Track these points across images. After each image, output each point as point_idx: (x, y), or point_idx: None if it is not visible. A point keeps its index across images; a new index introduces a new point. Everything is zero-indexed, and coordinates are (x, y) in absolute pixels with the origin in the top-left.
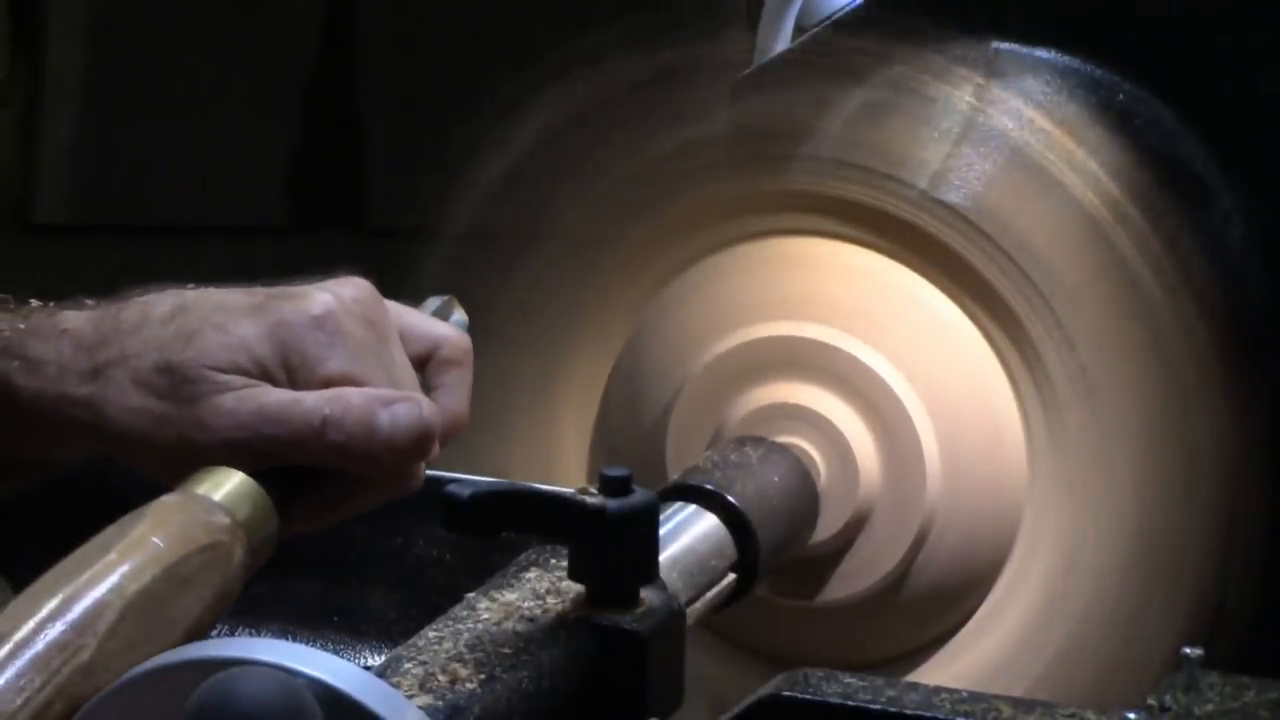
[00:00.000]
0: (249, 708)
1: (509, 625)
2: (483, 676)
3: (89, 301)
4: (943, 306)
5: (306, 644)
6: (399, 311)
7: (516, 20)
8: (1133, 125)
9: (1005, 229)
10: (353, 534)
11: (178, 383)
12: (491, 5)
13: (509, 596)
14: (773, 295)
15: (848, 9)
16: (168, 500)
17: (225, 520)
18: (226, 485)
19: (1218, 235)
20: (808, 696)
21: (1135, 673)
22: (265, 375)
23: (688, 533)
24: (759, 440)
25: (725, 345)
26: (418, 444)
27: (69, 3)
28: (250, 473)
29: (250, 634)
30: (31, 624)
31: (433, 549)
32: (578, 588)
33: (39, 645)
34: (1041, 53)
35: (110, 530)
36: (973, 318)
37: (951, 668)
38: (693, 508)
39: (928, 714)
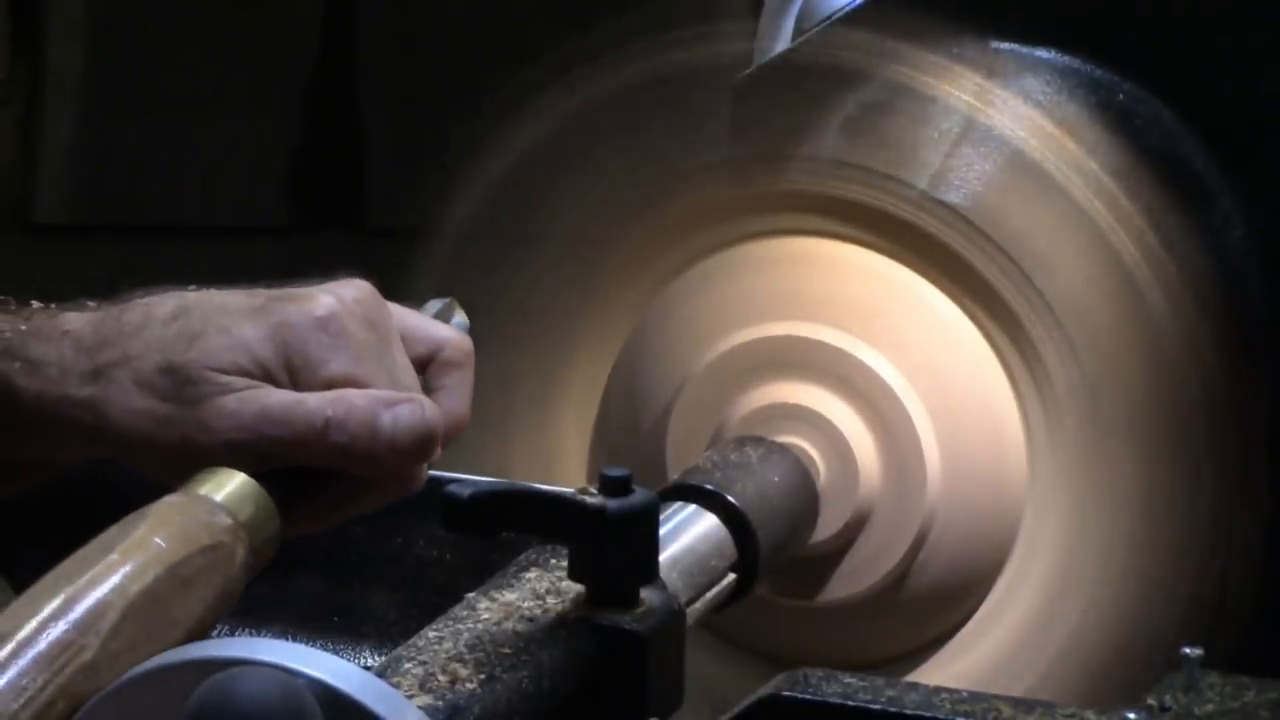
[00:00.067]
0: (249, 708)
1: (509, 625)
2: (483, 676)
3: (90, 303)
4: (943, 306)
5: (307, 644)
6: (400, 314)
7: (516, 20)
8: (1133, 125)
9: (1005, 229)
10: (353, 534)
11: (180, 384)
12: (491, 5)
13: (509, 596)
14: (772, 295)
15: (848, 9)
16: (170, 501)
17: (227, 521)
18: (229, 486)
19: (1218, 235)
20: (808, 696)
21: (1135, 673)
22: (268, 377)
23: (688, 533)
24: (759, 440)
25: (725, 345)
26: (420, 445)
27: (69, 3)
28: (252, 474)
29: (251, 634)
30: (34, 623)
31: (433, 549)
32: (578, 588)
33: (41, 644)
34: (1041, 53)
35: (112, 530)
36: (973, 318)
37: (951, 668)
38: (693, 508)
39: (928, 714)
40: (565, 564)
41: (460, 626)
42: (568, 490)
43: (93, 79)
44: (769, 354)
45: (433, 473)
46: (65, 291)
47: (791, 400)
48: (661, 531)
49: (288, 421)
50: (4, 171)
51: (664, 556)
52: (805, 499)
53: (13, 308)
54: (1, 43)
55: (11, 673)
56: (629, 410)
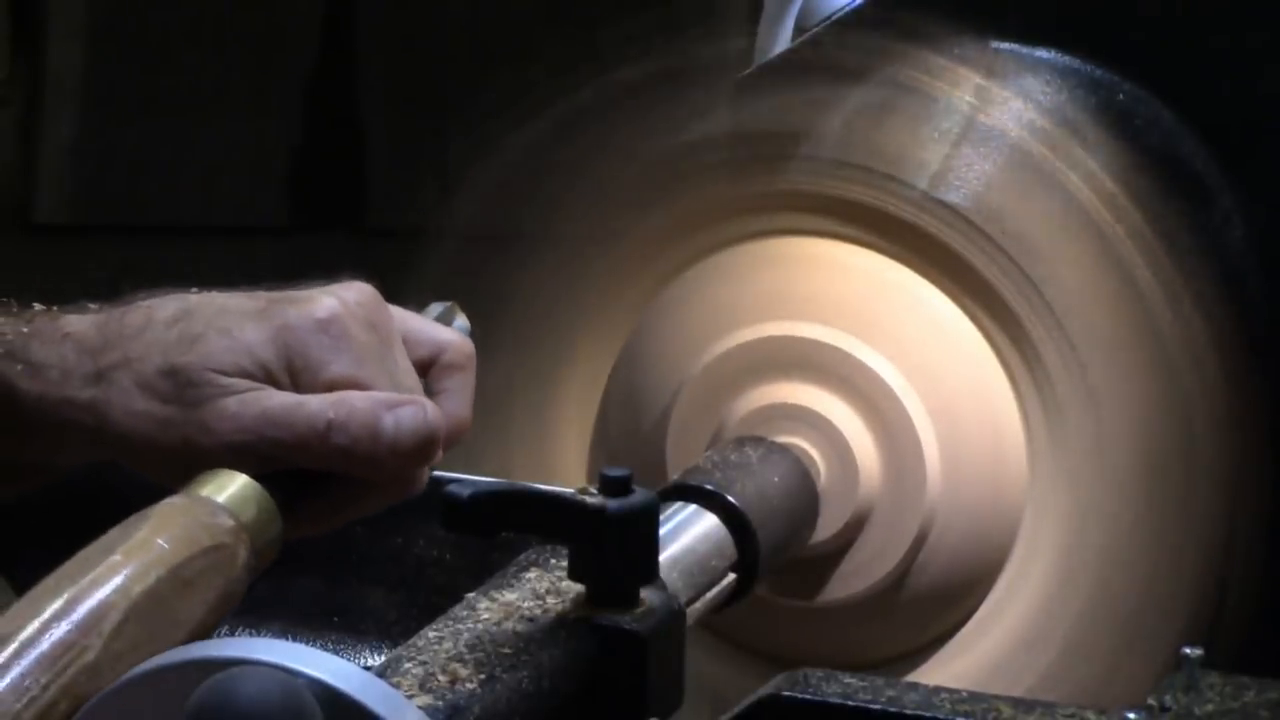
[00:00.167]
0: (249, 708)
1: (509, 625)
2: (483, 676)
3: (92, 305)
4: (943, 306)
5: (307, 644)
6: (402, 316)
7: (516, 20)
8: (1133, 125)
9: (1005, 229)
10: (353, 534)
11: (182, 386)
12: (491, 5)
13: (509, 596)
14: (772, 295)
15: (848, 9)
16: (172, 502)
17: (229, 523)
18: (231, 488)
19: (1218, 235)
20: (808, 696)
21: (1135, 673)
22: (269, 379)
23: (688, 533)
24: (759, 440)
25: (725, 345)
26: (422, 448)
27: (69, 3)
28: (254, 476)
29: (251, 634)
30: (36, 624)
31: (433, 549)
32: (578, 588)
33: (44, 645)
34: (1041, 53)
35: (115, 532)
36: (973, 318)
37: (951, 668)
38: (693, 508)
39: (928, 714)
40: (565, 564)
41: (460, 626)
42: (568, 490)
43: (93, 79)
44: (769, 354)
45: (433, 473)
46: (65, 291)
47: (791, 400)
48: (661, 531)
49: (289, 424)
50: (4, 171)
51: (664, 556)
52: (805, 499)
53: (14, 310)
54: (1, 43)
55: (14, 673)
56: (629, 410)
